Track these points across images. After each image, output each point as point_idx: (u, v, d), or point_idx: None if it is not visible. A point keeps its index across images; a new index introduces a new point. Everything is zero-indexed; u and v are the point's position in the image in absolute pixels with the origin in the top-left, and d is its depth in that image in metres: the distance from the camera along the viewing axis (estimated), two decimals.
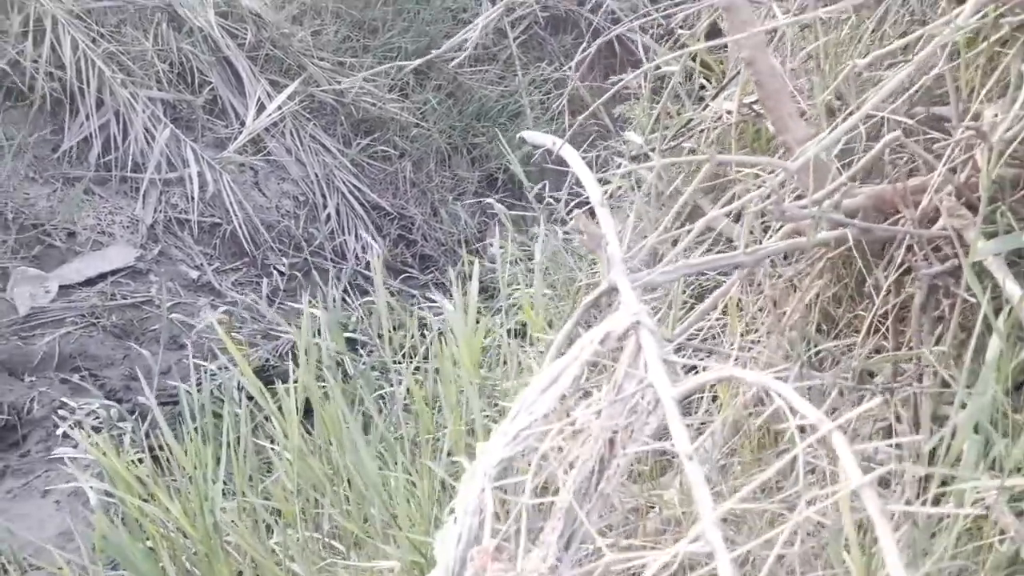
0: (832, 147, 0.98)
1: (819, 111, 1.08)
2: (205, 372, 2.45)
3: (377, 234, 3.63)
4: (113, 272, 2.81)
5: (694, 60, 1.99)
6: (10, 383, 2.38)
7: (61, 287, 2.68)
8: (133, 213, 3.00)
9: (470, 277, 3.07)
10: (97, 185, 2.99)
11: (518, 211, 4.24)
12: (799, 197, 1.24)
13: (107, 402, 2.29)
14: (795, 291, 1.21)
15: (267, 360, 2.77)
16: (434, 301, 3.49)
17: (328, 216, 3.47)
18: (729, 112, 1.53)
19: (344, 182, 3.57)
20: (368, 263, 3.53)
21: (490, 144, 4.09)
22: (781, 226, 1.17)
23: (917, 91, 1.05)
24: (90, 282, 2.76)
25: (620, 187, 2.01)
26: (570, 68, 4.74)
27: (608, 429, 0.72)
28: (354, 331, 2.52)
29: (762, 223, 1.30)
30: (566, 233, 2.84)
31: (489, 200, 3.45)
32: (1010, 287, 0.92)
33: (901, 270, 1.07)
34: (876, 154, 0.99)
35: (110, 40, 3.13)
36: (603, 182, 2.18)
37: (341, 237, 3.47)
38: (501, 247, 3.75)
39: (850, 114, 0.94)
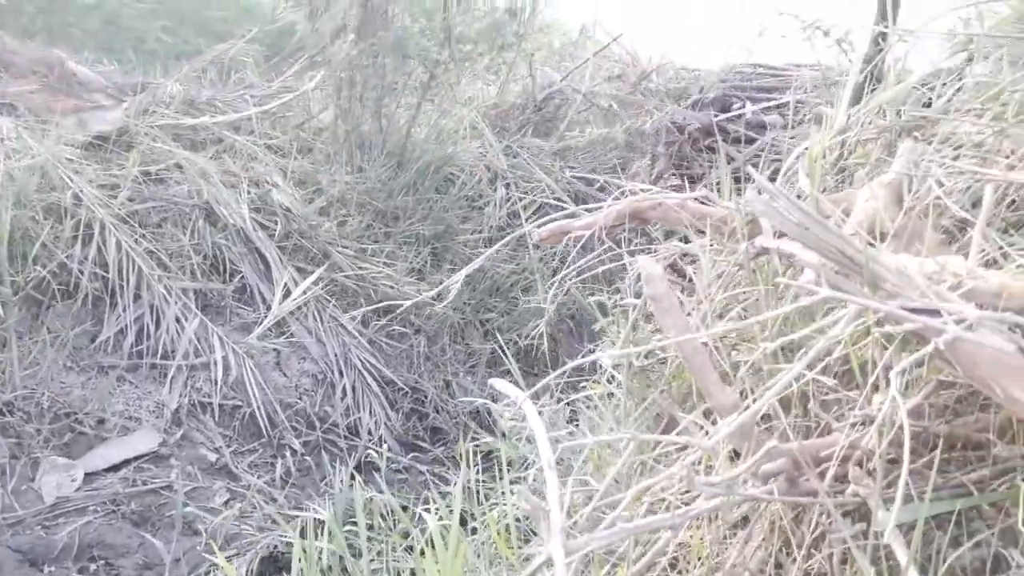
0: (751, 420, 1.11)
1: (743, 385, 1.22)
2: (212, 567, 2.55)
3: (390, 408, 3.77)
4: (137, 458, 2.96)
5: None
6: (30, 575, 2.48)
7: (87, 474, 2.84)
8: (160, 398, 3.19)
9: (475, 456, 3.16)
10: (128, 372, 3.21)
11: (531, 381, 4.40)
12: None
13: None
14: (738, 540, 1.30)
15: (275, 547, 2.85)
16: (443, 479, 3.58)
17: (344, 393, 3.63)
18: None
19: (360, 359, 3.75)
20: (380, 438, 3.66)
21: (502, 318, 4.30)
22: None
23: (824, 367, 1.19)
24: (114, 468, 2.91)
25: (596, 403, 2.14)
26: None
27: None
28: (355, 524, 2.60)
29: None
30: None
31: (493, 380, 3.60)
32: (900, 555, 1.02)
33: (819, 530, 1.17)
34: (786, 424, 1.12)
35: (150, 239, 3.44)
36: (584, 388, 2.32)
37: (356, 414, 3.61)
38: (512, 420, 3.88)
39: (763, 391, 1.08)
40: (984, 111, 1.52)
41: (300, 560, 2.05)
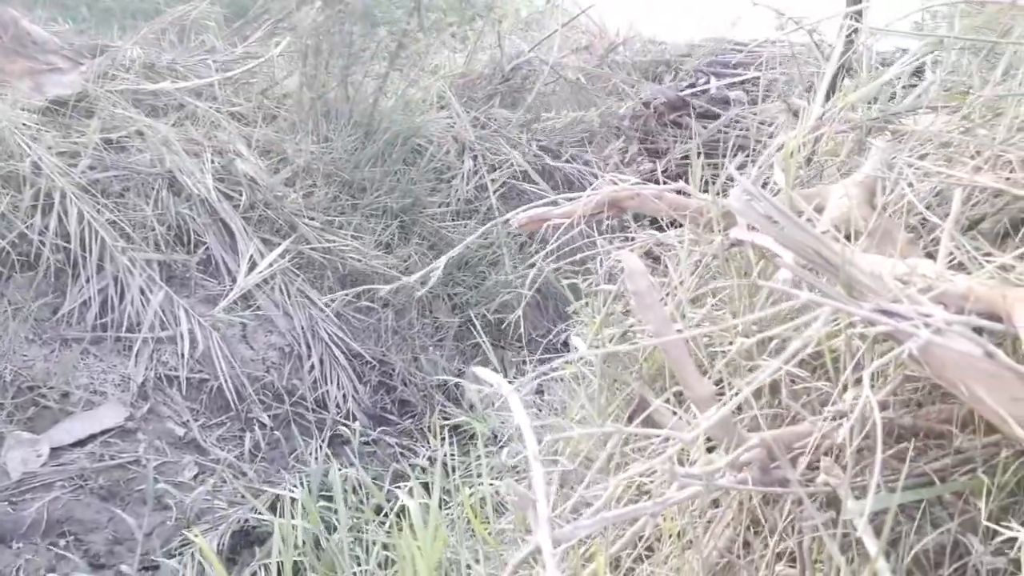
0: (729, 416, 1.16)
1: (721, 375, 1.27)
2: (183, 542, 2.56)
3: (358, 381, 3.79)
4: (103, 432, 2.93)
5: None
6: None
7: (52, 449, 2.81)
8: (125, 372, 3.15)
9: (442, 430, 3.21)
10: (93, 345, 3.16)
11: (499, 354, 4.45)
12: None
13: None
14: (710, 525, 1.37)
15: (246, 522, 2.87)
16: (412, 451, 3.63)
17: (312, 366, 3.63)
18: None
19: (328, 332, 3.75)
20: (348, 411, 3.68)
21: (469, 292, 4.32)
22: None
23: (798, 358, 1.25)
24: (80, 443, 2.88)
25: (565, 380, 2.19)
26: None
27: None
28: (328, 499, 2.63)
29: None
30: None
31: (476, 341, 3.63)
32: (870, 545, 1.09)
33: (791, 517, 1.24)
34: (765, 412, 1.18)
35: (113, 208, 3.37)
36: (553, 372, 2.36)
37: (324, 387, 3.62)
38: (480, 392, 3.93)
39: (740, 390, 1.13)
40: (952, 110, 1.58)
41: (279, 538, 2.07)
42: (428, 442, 3.72)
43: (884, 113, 1.64)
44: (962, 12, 1.78)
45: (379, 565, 2.19)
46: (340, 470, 3.05)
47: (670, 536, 1.56)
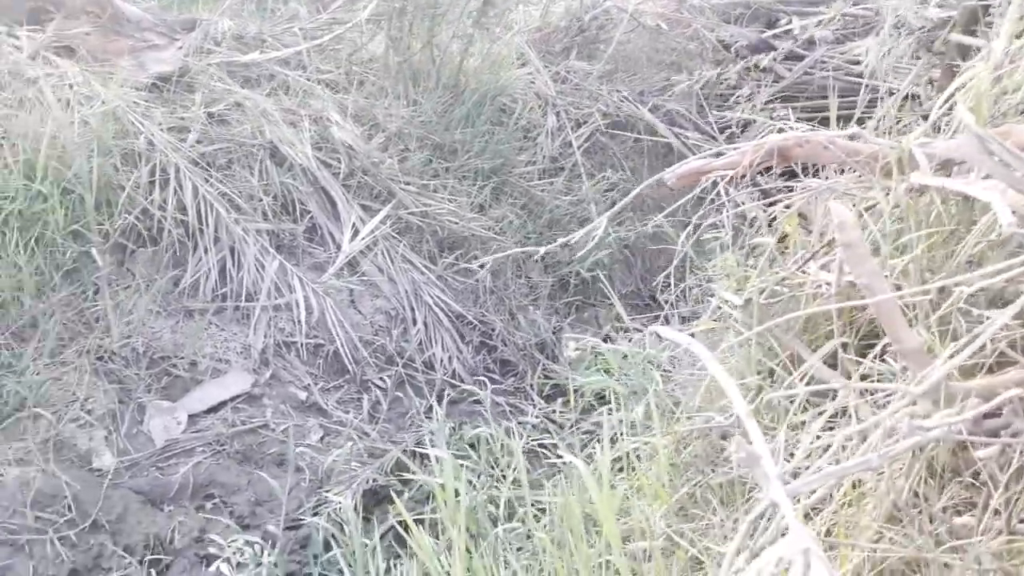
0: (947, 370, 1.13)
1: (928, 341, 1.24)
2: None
3: (461, 342, 3.82)
4: (232, 399, 3.03)
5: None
6: (153, 514, 2.59)
7: (189, 416, 2.91)
8: (246, 340, 3.24)
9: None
10: (214, 315, 3.25)
11: (589, 311, 4.44)
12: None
13: (251, 538, 2.48)
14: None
15: (374, 480, 2.94)
16: (519, 410, 3.66)
17: (418, 329, 3.67)
18: (828, 284, 1.69)
19: (431, 296, 3.78)
20: (454, 371, 3.73)
21: (562, 251, 4.29)
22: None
23: None
24: (213, 410, 2.99)
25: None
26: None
27: None
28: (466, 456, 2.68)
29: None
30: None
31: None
32: None
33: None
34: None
35: (222, 181, 3.43)
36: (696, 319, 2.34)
37: (430, 350, 3.66)
38: (578, 350, 3.93)
39: (970, 341, 1.10)
40: None
41: (442, 501, 2.12)
42: (532, 400, 3.77)
43: None
44: None
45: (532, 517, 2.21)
46: (463, 427, 3.10)
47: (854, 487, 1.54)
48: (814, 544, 0.96)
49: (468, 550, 2.12)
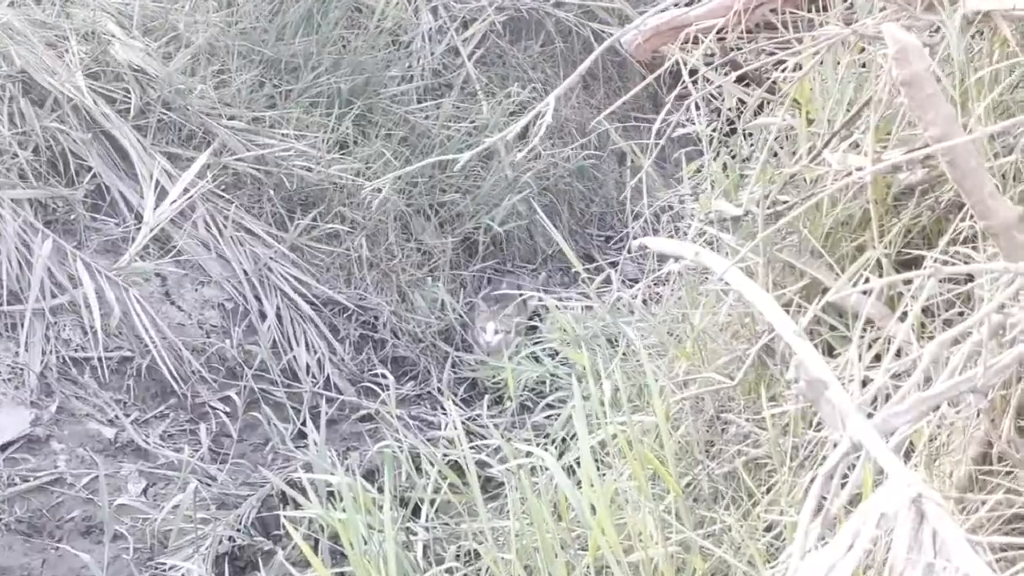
0: None
1: None
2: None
3: (334, 338, 3.72)
4: (3, 447, 2.85)
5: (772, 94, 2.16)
6: None
7: None
8: (14, 360, 3.04)
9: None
10: None
11: (509, 280, 4.40)
12: None
13: None
14: None
15: (231, 539, 2.83)
16: (427, 423, 3.59)
17: (268, 325, 3.54)
18: (859, 168, 1.68)
19: (283, 275, 3.66)
20: (328, 380, 3.62)
21: (463, 199, 4.24)
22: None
23: None
24: None
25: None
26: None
27: None
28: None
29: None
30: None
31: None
32: None
33: None
34: None
35: None
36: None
37: (290, 352, 3.55)
38: (499, 333, 3.89)
39: None
40: None
41: (348, 543, 2.03)
42: (442, 407, 3.70)
43: None
44: None
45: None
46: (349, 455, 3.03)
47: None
48: (927, 489, 0.93)
49: None
